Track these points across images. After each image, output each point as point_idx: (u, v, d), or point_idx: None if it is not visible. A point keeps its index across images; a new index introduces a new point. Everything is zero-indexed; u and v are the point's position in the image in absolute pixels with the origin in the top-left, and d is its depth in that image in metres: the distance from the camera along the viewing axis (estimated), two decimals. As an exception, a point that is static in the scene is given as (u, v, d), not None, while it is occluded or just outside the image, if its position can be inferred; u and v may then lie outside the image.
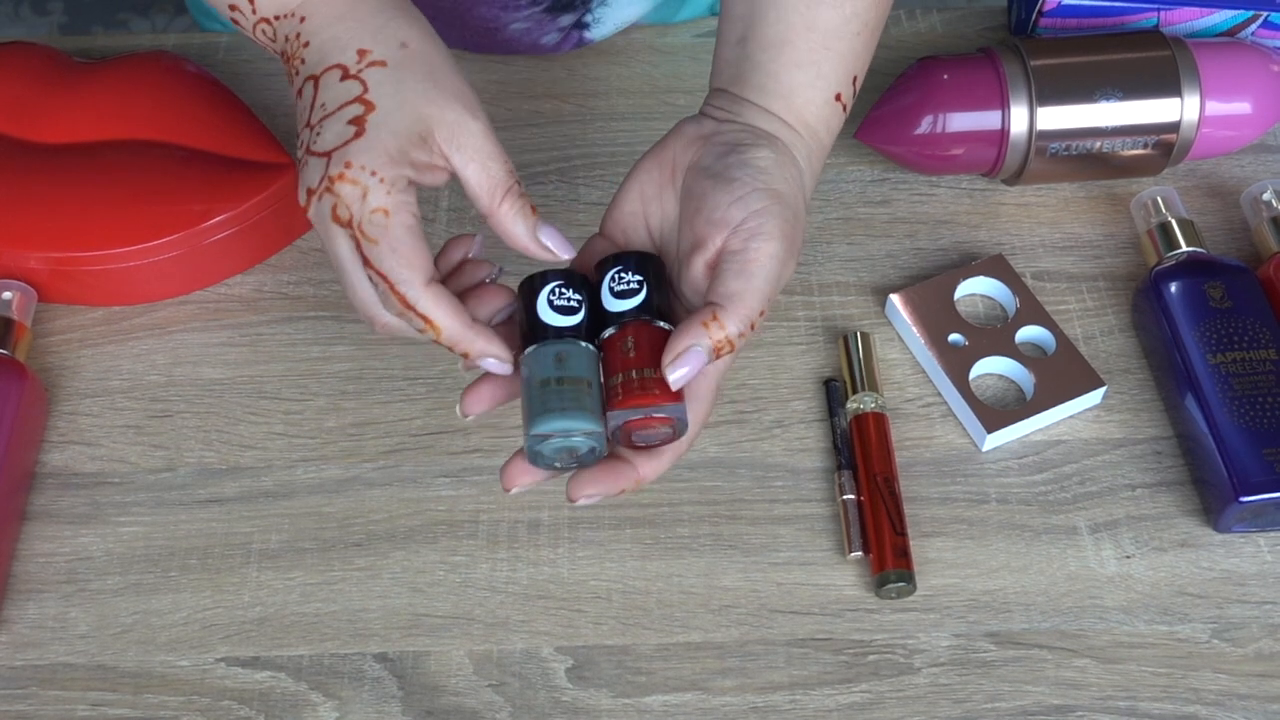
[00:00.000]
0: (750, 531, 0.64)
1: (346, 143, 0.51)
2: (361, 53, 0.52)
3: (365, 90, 0.52)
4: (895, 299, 0.70)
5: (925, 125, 0.72)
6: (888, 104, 0.73)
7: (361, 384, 0.69)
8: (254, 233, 0.71)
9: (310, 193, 0.52)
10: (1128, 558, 0.63)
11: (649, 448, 0.52)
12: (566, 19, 0.79)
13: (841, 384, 0.68)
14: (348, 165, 0.51)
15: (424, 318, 0.51)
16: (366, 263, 0.51)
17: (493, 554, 0.63)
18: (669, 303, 0.53)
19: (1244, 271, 0.67)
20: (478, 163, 0.53)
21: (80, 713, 0.59)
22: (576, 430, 0.50)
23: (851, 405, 0.66)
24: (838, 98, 0.58)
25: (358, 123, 0.51)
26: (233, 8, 0.56)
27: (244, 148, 0.72)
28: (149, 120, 0.72)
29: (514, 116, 0.79)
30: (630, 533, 0.64)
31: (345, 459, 0.66)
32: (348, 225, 0.51)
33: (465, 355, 0.52)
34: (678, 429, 0.51)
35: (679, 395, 0.51)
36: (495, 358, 0.52)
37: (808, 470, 0.66)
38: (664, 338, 0.51)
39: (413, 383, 0.69)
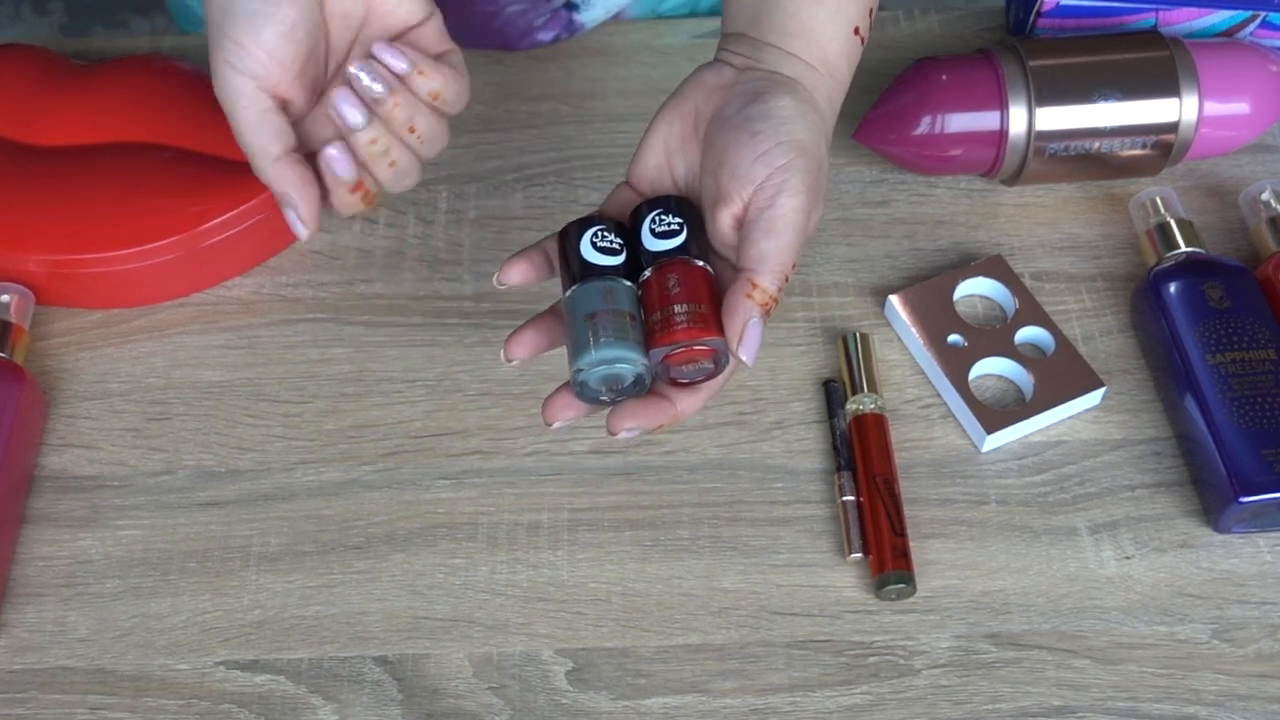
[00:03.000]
0: (750, 533, 0.64)
1: None
2: None
3: None
4: (894, 300, 0.69)
5: (924, 126, 0.71)
6: (886, 104, 0.73)
7: (360, 386, 0.69)
8: (252, 235, 0.71)
9: None
10: (1127, 558, 0.63)
11: (689, 384, 0.53)
12: None
13: (841, 385, 0.68)
14: None
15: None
16: None
17: (492, 556, 0.63)
18: (706, 247, 0.55)
19: (1243, 272, 0.67)
20: None
21: (79, 716, 0.59)
22: (623, 359, 0.52)
23: (851, 406, 0.66)
24: (856, 31, 0.58)
25: None
26: None
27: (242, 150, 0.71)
28: (147, 122, 0.72)
29: (512, 118, 0.79)
30: (630, 535, 0.64)
31: (344, 461, 0.66)
32: None
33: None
34: (719, 363, 0.53)
35: (720, 329, 0.52)
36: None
37: (807, 472, 0.65)
38: (704, 277, 0.53)
39: (412, 385, 0.69)
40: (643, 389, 0.53)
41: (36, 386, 0.66)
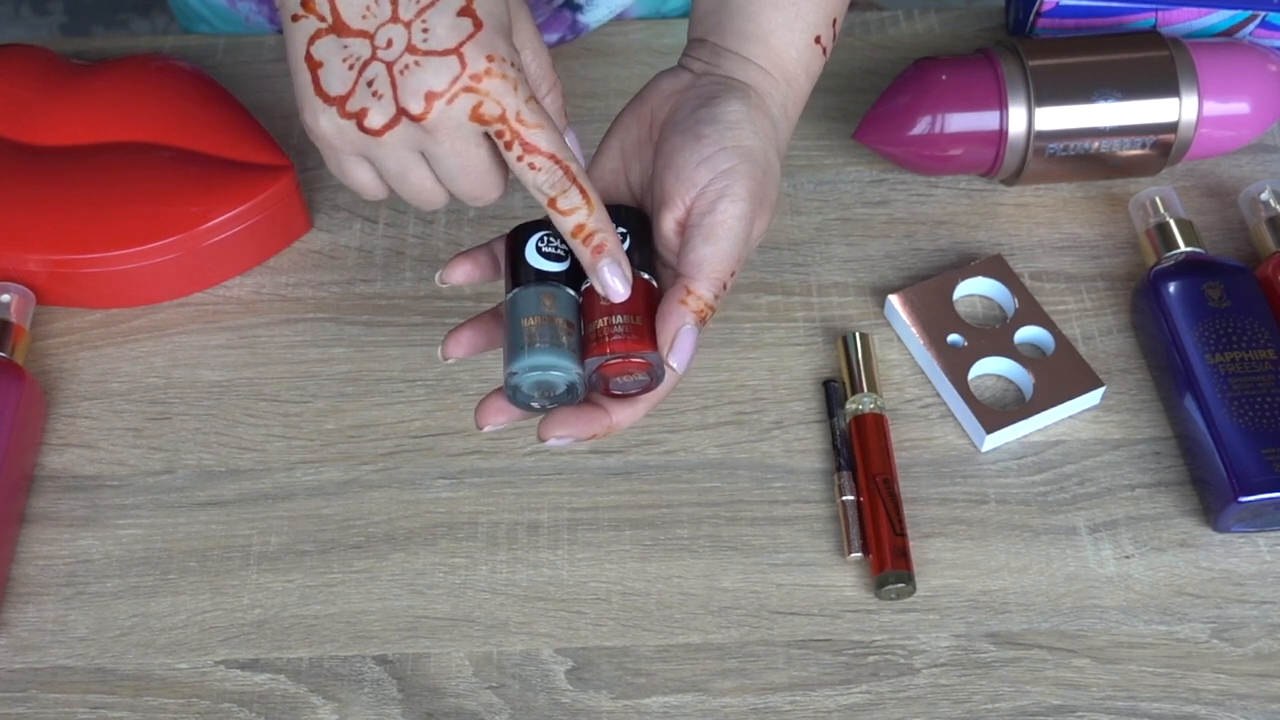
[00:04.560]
0: (750, 533, 0.64)
1: (472, 35, 0.48)
2: None
3: None
4: (894, 300, 0.70)
5: (923, 126, 0.72)
6: (886, 104, 0.73)
7: (360, 386, 0.69)
8: (252, 234, 0.71)
9: (433, 96, 0.48)
10: (1127, 558, 0.63)
11: (625, 396, 0.53)
12: None
13: (840, 385, 0.68)
14: (490, 59, 0.48)
15: (585, 192, 0.51)
16: (530, 149, 0.49)
17: (492, 556, 0.63)
18: (651, 257, 0.54)
19: (1243, 271, 0.67)
20: (530, 50, 0.53)
21: (80, 716, 0.59)
22: (555, 367, 0.51)
23: (851, 406, 0.66)
24: (817, 40, 0.58)
25: (469, 13, 0.48)
26: None
27: (242, 149, 0.72)
28: (147, 122, 0.72)
29: (512, 118, 0.79)
30: (630, 534, 0.64)
31: (344, 461, 0.66)
32: (496, 120, 0.49)
33: (598, 249, 0.51)
34: (654, 376, 0.52)
35: (656, 342, 0.52)
36: (621, 265, 0.51)
37: (807, 471, 0.66)
38: (645, 288, 0.53)
39: (411, 385, 0.69)
40: (576, 398, 0.53)
41: (36, 386, 0.66)
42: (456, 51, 0.48)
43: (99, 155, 0.71)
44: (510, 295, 0.53)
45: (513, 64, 0.48)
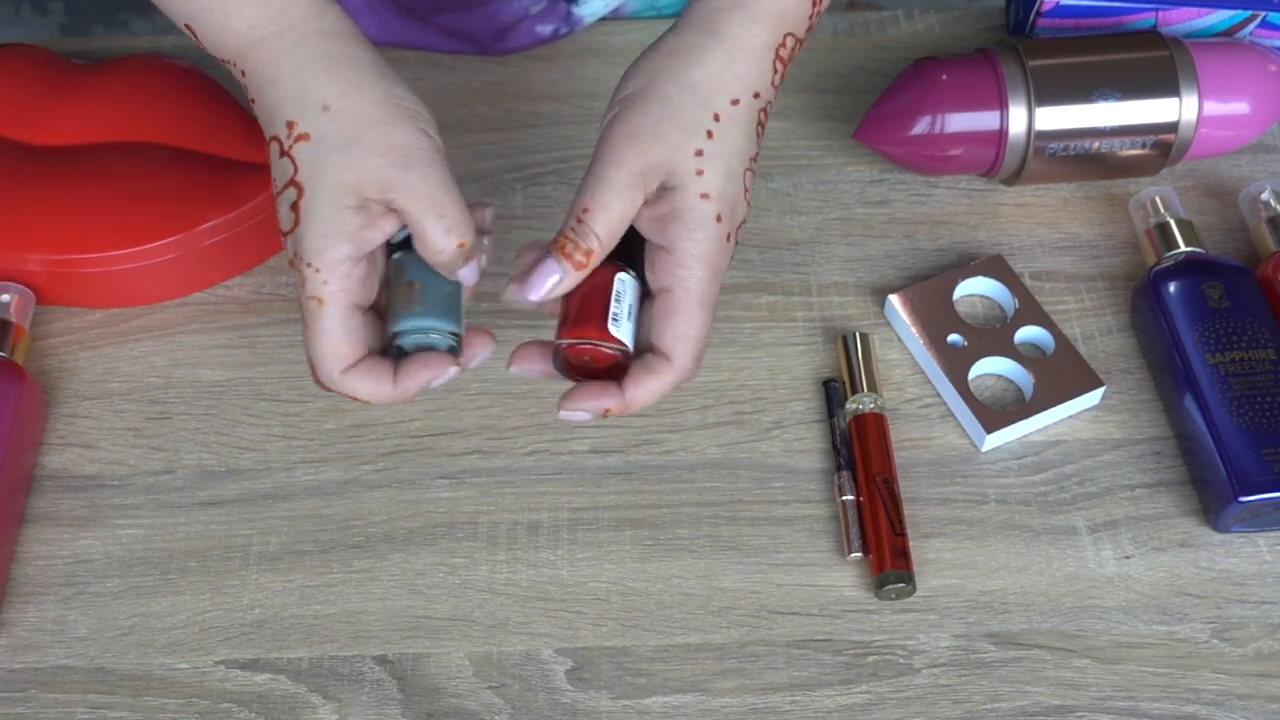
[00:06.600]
0: (749, 533, 0.64)
1: (291, 230, 0.53)
2: (290, 125, 0.53)
3: (296, 171, 0.53)
4: (894, 299, 0.70)
5: (923, 126, 0.72)
6: (886, 104, 0.73)
7: (360, 386, 0.69)
8: (252, 235, 0.71)
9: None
10: (1127, 558, 0.63)
11: (594, 376, 0.55)
12: None
13: (840, 385, 0.68)
14: (295, 255, 0.53)
15: (347, 395, 0.55)
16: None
17: (492, 556, 0.63)
18: (638, 257, 0.56)
19: (1243, 271, 0.67)
20: (433, 216, 0.53)
21: (79, 716, 0.59)
22: (434, 329, 0.55)
23: (850, 406, 0.66)
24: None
25: (295, 209, 0.53)
26: (188, 27, 0.56)
27: (243, 150, 0.72)
28: (147, 122, 0.72)
29: (512, 118, 0.79)
30: (629, 534, 0.64)
31: (344, 461, 0.66)
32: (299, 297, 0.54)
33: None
34: (618, 363, 0.55)
35: (603, 332, 0.54)
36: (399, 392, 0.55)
37: (807, 471, 0.66)
38: (608, 276, 0.56)
39: (412, 384, 0.69)
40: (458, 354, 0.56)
41: (36, 386, 0.66)
42: (286, 236, 0.54)
43: (99, 155, 0.71)
44: (394, 258, 0.56)
45: (310, 264, 0.53)
